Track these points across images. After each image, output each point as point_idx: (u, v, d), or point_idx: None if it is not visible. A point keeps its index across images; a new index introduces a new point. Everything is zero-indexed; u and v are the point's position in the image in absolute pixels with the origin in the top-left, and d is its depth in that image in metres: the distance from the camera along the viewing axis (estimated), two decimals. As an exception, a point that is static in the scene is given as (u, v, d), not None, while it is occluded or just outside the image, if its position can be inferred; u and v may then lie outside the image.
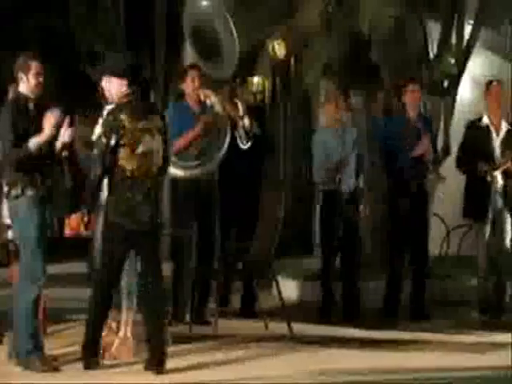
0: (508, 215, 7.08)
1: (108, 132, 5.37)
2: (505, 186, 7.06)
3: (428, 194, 7.49)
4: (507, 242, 7.08)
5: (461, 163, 7.21)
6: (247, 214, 7.11)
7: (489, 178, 6.97)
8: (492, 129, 7.13)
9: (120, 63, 5.65)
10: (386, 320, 7.08)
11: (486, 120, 7.16)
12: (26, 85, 5.54)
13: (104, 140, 5.37)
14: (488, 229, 7.05)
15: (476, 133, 7.16)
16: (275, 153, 10.36)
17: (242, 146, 6.85)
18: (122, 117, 5.36)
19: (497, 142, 7.12)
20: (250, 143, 6.87)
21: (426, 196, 7.38)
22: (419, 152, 7.13)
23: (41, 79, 5.54)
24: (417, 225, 7.21)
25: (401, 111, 7.44)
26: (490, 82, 7.28)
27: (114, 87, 5.48)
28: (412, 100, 7.26)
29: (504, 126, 7.16)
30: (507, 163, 7.02)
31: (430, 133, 7.35)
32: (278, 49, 9.23)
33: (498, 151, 7.09)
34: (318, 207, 7.43)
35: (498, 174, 7.01)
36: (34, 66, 5.53)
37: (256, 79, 10.53)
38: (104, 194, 5.76)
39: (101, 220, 5.84)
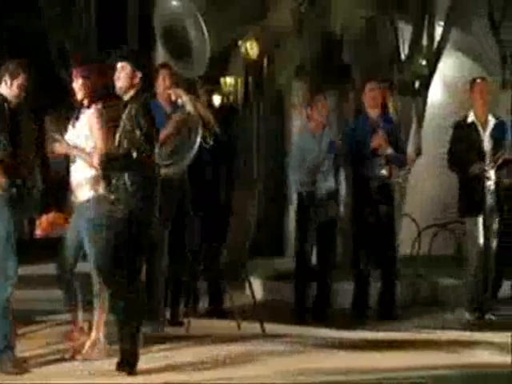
0: (498, 212, 7.10)
1: None
2: (497, 184, 7.11)
3: (394, 194, 7.50)
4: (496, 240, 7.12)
5: (453, 163, 7.22)
6: (214, 213, 7.11)
7: (488, 175, 6.97)
8: (479, 125, 7.16)
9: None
10: (356, 320, 7.09)
11: (471, 117, 7.18)
12: (9, 90, 5.62)
13: None
14: (481, 227, 7.07)
15: (463, 131, 7.17)
16: (248, 153, 10.37)
17: (205, 145, 6.86)
18: None
19: (485, 138, 7.15)
20: (212, 142, 6.88)
21: (392, 196, 7.40)
22: (374, 145, 7.13)
23: (23, 91, 5.62)
24: (383, 225, 7.24)
25: (364, 111, 7.43)
26: (474, 80, 7.30)
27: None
28: (370, 99, 7.26)
29: (491, 121, 7.19)
30: (499, 160, 7.04)
31: (392, 131, 7.31)
32: (251, 49, 9.25)
33: (488, 146, 7.12)
34: (292, 208, 7.42)
35: (491, 172, 7.05)
36: (22, 77, 5.62)
37: (229, 79, 10.54)
38: (80, 192, 5.74)
39: (74, 220, 5.82)
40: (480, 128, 7.17)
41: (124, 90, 5.61)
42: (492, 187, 7.08)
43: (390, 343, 6.29)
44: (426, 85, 8.57)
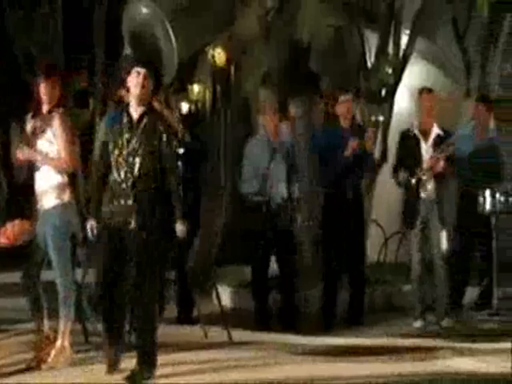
0: (438, 222, 7.18)
1: None
2: (436, 192, 7.17)
3: (363, 201, 7.56)
4: (441, 248, 7.18)
5: (395, 173, 7.31)
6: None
7: (424, 186, 7.05)
8: (420, 136, 7.23)
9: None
10: (323, 327, 7.11)
11: (414, 128, 7.26)
12: None
13: None
14: (419, 236, 7.14)
15: (406, 142, 7.26)
16: (215, 160, 10.36)
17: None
18: None
19: (424, 149, 7.21)
20: (182, 149, 6.88)
21: (361, 203, 7.45)
22: (349, 152, 7.17)
23: None
24: (352, 232, 7.28)
25: (336, 120, 7.49)
26: (421, 90, 7.39)
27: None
28: (343, 110, 7.32)
29: (434, 134, 7.26)
30: (425, 170, 7.10)
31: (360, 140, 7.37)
32: (218, 56, 9.24)
33: (426, 158, 7.19)
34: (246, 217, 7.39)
35: (427, 182, 7.10)
36: None
37: (196, 87, 10.53)
38: (45, 200, 5.70)
39: (39, 227, 5.77)
40: (421, 139, 7.22)
41: (145, 98, 5.51)
42: (432, 197, 7.13)
43: (357, 350, 6.32)
44: (391, 93, 8.65)
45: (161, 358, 5.53)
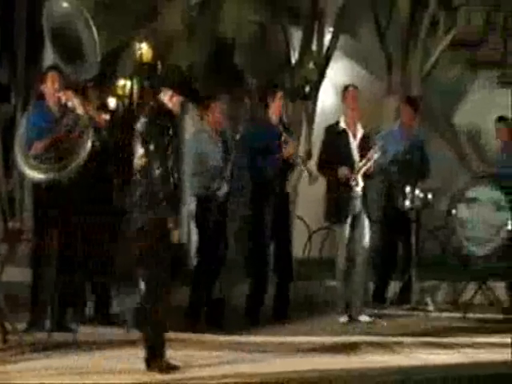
0: (365, 217, 7.29)
1: None
2: (364, 189, 7.28)
3: (289, 196, 7.61)
4: (365, 243, 7.28)
5: (322, 167, 7.37)
6: (107, 213, 7.03)
7: (353, 183, 7.14)
8: (349, 132, 7.33)
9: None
10: (249, 323, 7.13)
11: (342, 124, 7.35)
12: None
13: None
14: (347, 232, 7.24)
15: (334, 137, 7.33)
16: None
17: (97, 148, 6.81)
18: None
19: (354, 146, 7.33)
20: (98, 144, 6.83)
21: (287, 199, 7.50)
22: (285, 154, 7.23)
23: None
24: (279, 227, 7.32)
25: (263, 117, 7.50)
26: (346, 87, 7.49)
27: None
28: (276, 106, 7.32)
29: (360, 131, 7.36)
30: (365, 166, 7.22)
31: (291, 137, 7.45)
32: (143, 51, 9.20)
33: (355, 154, 7.31)
34: (190, 212, 7.35)
35: (358, 178, 7.20)
36: None
37: (124, 82, 10.45)
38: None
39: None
40: (350, 135, 7.33)
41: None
42: (359, 193, 7.25)
43: (281, 346, 6.34)
44: (315, 89, 8.73)
45: (81, 357, 5.40)
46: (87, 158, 6.62)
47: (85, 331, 6.41)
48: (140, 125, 5.52)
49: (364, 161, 7.19)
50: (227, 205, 7.25)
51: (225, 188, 7.19)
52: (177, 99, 5.51)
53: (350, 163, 7.21)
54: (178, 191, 5.52)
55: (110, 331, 6.64)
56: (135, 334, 6.23)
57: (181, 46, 7.98)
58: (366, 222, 7.25)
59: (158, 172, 5.37)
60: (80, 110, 6.59)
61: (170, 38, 7.93)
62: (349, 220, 7.21)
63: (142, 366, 5.44)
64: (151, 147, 5.41)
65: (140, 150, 5.48)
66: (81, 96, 6.68)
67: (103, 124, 6.85)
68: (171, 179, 5.41)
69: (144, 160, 5.46)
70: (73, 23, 6.39)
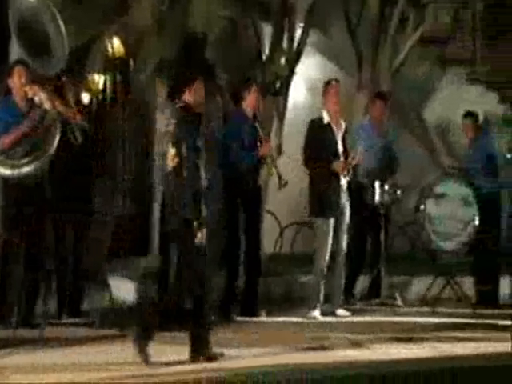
0: (348, 213, 7.29)
1: None
2: (348, 183, 7.30)
3: (261, 191, 7.62)
4: (345, 237, 7.30)
5: (309, 161, 7.36)
6: (76, 210, 7.00)
7: (347, 176, 7.14)
8: (333, 126, 7.34)
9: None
10: (222, 317, 7.11)
11: (326, 118, 7.36)
12: None
13: None
14: (331, 226, 7.22)
15: (319, 131, 7.34)
16: (115, 151, 10.26)
17: (74, 142, 6.77)
18: None
19: (339, 139, 7.34)
20: (81, 139, 6.80)
21: (259, 194, 7.50)
22: (262, 153, 7.23)
23: None
24: (249, 222, 7.31)
25: (238, 111, 7.45)
26: (328, 82, 7.48)
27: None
28: (253, 100, 7.29)
29: (342, 124, 7.39)
30: (354, 159, 7.26)
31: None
32: (113, 46, 9.14)
33: (340, 148, 7.32)
34: (156, 207, 7.36)
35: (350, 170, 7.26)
36: None
37: (96, 77, 10.39)
38: None
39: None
40: (335, 129, 7.36)
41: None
42: (344, 187, 7.28)
43: (251, 342, 6.32)
44: (286, 85, 8.73)
45: (49, 353, 5.36)
46: (56, 154, 6.59)
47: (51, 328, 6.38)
48: (170, 126, 5.58)
49: (350, 158, 7.23)
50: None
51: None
52: (201, 97, 5.60)
53: (338, 157, 7.24)
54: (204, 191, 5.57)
55: (77, 329, 6.62)
56: (103, 331, 6.25)
57: (151, 41, 7.95)
58: (348, 217, 7.26)
59: (188, 172, 5.45)
60: (47, 105, 6.55)
61: (141, 33, 7.90)
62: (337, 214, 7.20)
63: (112, 360, 5.41)
64: (183, 148, 5.45)
65: (171, 151, 5.51)
66: (51, 91, 6.63)
67: (77, 119, 6.82)
68: (200, 180, 5.49)
69: (176, 161, 5.48)
70: (39, 17, 6.35)
